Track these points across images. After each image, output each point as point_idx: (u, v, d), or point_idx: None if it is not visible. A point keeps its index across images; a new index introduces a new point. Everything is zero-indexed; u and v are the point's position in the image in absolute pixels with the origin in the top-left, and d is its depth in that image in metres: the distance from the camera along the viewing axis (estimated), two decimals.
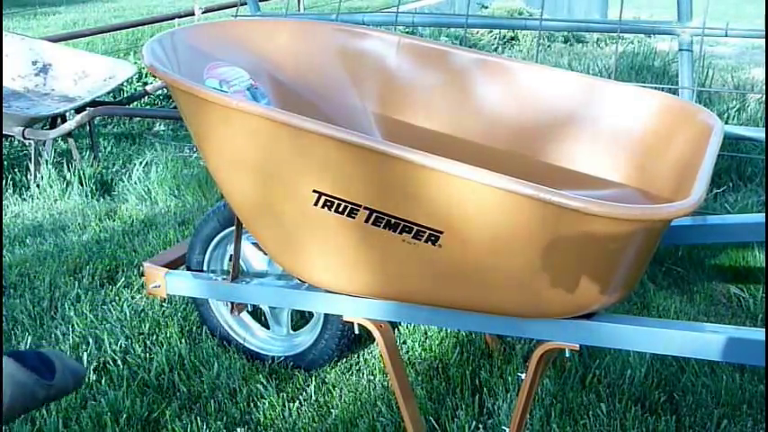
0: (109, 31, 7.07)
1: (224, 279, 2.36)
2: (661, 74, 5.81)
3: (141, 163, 4.52)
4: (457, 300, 1.80)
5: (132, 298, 2.92)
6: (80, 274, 3.14)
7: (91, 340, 2.61)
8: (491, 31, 8.43)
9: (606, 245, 1.56)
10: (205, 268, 2.49)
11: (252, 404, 2.32)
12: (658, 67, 6.05)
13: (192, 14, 6.53)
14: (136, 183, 4.29)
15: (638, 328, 1.74)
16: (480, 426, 2.17)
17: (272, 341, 2.55)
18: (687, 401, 2.25)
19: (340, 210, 1.76)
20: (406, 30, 6.07)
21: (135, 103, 5.42)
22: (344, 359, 2.51)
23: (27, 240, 3.55)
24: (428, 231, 1.69)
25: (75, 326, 2.71)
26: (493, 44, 8.30)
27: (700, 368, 2.37)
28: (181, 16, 6.77)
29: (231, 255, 2.38)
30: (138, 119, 5.60)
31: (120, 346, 2.58)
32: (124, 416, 2.22)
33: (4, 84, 4.66)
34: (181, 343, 2.57)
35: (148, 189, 4.17)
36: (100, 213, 3.86)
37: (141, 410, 2.25)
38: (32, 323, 2.76)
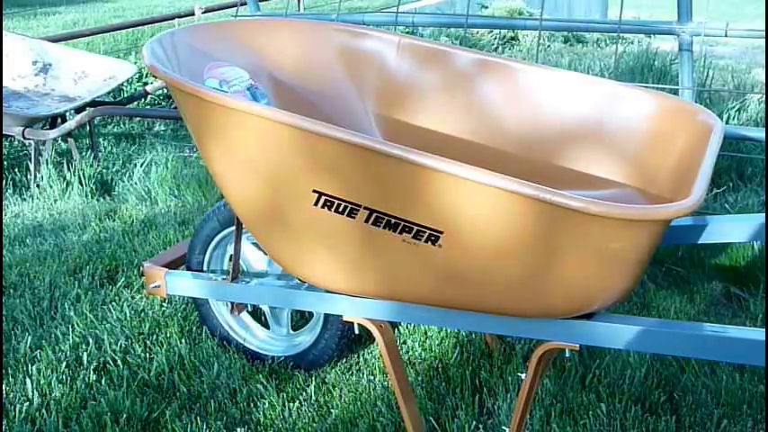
0: (109, 31, 7.06)
1: (224, 279, 2.36)
2: (661, 74, 5.80)
3: (141, 163, 4.52)
4: (457, 300, 1.80)
5: (132, 298, 2.92)
6: (80, 274, 3.14)
7: (91, 340, 2.61)
8: (491, 31, 8.43)
9: (606, 245, 1.56)
10: (205, 268, 2.49)
11: (252, 404, 2.32)
12: (659, 67, 6.04)
13: (192, 14, 6.53)
14: (136, 183, 4.29)
15: (637, 328, 1.74)
16: (480, 426, 2.17)
17: (272, 341, 2.55)
18: (687, 401, 2.25)
19: (340, 210, 1.76)
20: (406, 30, 6.07)
21: (135, 103, 5.42)
22: (344, 359, 2.51)
23: (27, 240, 3.55)
24: (428, 231, 1.69)
25: (76, 326, 2.70)
26: (493, 44, 8.31)
27: (700, 368, 2.37)
28: (181, 16, 6.77)
29: (231, 255, 2.38)
30: (138, 119, 5.60)
31: (120, 346, 2.58)
32: (124, 416, 2.22)
33: (4, 84, 4.66)
34: (181, 343, 2.57)
35: (148, 189, 4.17)
36: (100, 213, 3.86)
37: (141, 410, 2.25)
38: (32, 323, 2.76)
